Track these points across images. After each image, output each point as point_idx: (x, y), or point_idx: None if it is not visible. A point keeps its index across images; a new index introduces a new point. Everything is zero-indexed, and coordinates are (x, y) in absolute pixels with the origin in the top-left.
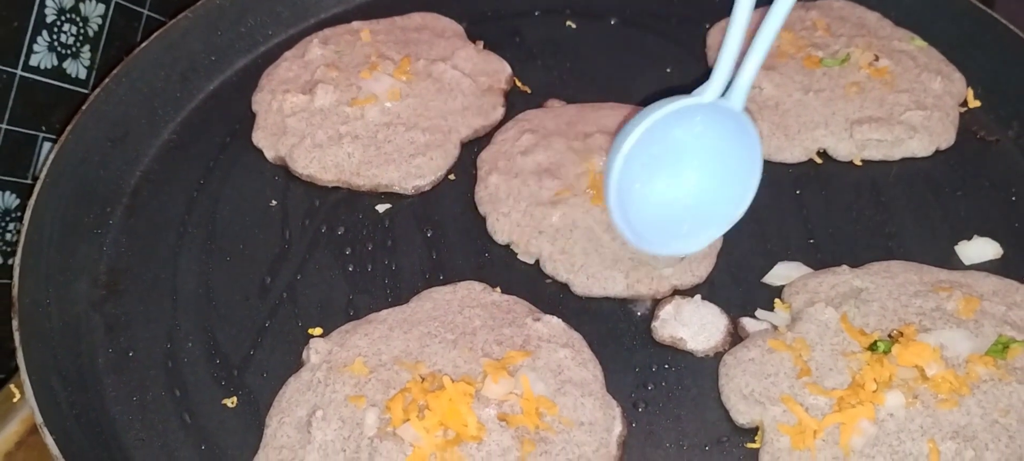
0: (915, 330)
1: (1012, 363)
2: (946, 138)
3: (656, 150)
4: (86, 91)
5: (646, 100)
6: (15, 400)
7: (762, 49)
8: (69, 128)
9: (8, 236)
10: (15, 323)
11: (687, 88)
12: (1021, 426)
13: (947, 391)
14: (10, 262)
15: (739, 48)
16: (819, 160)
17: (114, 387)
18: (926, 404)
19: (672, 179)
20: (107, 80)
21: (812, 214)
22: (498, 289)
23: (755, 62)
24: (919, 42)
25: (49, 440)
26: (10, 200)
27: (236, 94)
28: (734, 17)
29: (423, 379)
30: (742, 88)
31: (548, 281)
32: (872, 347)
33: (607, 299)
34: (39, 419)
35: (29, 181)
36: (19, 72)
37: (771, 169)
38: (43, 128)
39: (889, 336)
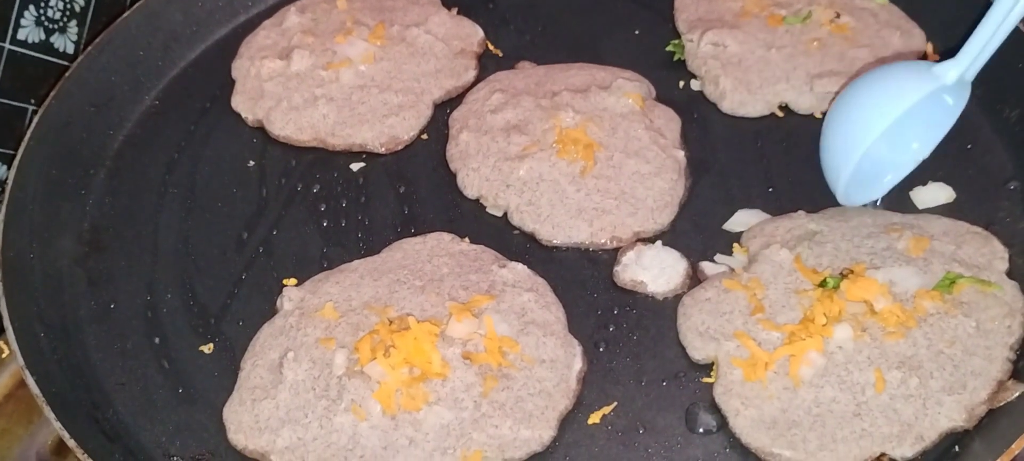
0: (865, 268)
1: (958, 297)
2: None
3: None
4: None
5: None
6: (3, 355)
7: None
8: (53, 93)
9: None
10: None
11: (655, 50)
12: (966, 356)
13: (894, 324)
14: None
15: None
16: (781, 114)
17: (96, 336)
18: (874, 337)
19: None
20: (90, 48)
21: (773, 164)
22: (466, 239)
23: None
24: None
25: (30, 380)
26: (0, 172)
27: (216, 62)
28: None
29: (391, 322)
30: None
31: (515, 232)
32: (823, 284)
33: (571, 247)
34: (20, 361)
35: None
36: (7, 45)
37: (734, 123)
38: (32, 101)
39: (840, 274)
